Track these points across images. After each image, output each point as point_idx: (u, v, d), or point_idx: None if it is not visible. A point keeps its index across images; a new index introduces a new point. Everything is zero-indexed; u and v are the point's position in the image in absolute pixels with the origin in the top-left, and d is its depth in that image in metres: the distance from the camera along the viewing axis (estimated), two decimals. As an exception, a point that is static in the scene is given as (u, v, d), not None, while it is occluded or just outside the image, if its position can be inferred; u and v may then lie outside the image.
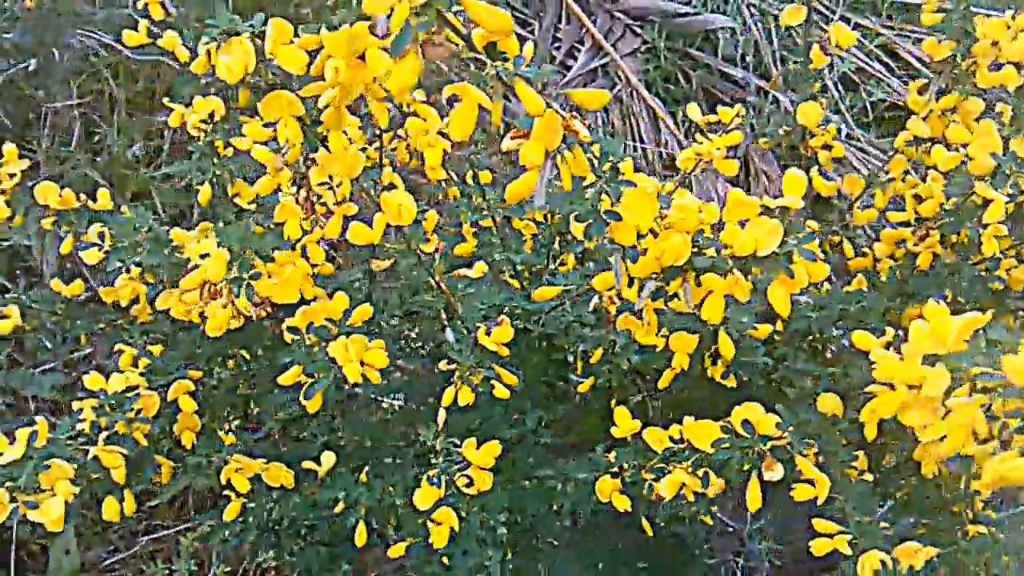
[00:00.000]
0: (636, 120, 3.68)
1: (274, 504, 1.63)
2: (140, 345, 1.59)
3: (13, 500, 1.28)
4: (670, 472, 1.26)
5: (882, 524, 1.38)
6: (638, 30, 3.86)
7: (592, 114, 3.56)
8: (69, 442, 1.36)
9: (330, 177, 1.18)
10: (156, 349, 1.63)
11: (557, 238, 1.63)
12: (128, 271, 1.48)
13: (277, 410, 1.60)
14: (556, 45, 3.87)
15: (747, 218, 1.15)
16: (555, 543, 1.56)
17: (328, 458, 1.65)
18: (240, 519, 1.66)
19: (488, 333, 1.44)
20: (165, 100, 1.85)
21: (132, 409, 1.45)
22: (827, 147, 1.81)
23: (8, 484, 1.27)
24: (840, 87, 3.57)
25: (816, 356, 1.60)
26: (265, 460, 1.60)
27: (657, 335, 1.45)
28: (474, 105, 0.94)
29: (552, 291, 1.54)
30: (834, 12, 3.59)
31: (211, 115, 1.74)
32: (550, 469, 1.51)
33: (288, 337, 1.36)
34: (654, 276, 1.24)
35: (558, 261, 1.57)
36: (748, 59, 3.65)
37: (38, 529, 2.82)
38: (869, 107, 3.54)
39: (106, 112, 3.07)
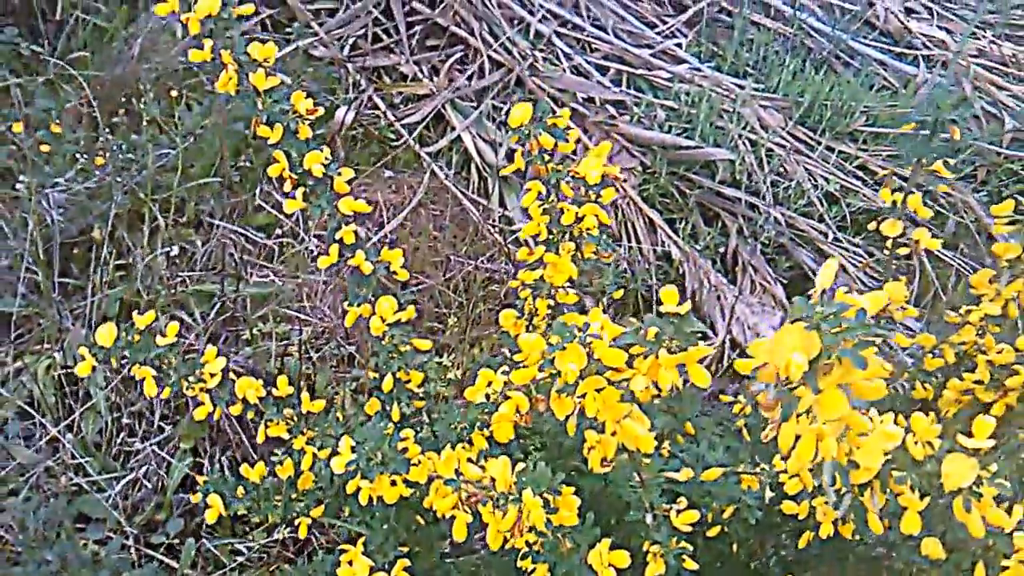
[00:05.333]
0: (633, 226, 4.01)
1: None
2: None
3: None
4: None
5: None
6: (636, 153, 4.20)
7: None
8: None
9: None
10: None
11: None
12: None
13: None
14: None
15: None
16: None
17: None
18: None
19: (677, 515, 1.74)
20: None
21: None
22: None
23: None
24: (824, 201, 4.01)
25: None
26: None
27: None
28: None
29: (716, 473, 1.86)
30: (819, 143, 4.03)
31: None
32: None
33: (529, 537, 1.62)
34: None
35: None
36: (743, 181, 4.03)
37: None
38: (848, 216, 3.98)
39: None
